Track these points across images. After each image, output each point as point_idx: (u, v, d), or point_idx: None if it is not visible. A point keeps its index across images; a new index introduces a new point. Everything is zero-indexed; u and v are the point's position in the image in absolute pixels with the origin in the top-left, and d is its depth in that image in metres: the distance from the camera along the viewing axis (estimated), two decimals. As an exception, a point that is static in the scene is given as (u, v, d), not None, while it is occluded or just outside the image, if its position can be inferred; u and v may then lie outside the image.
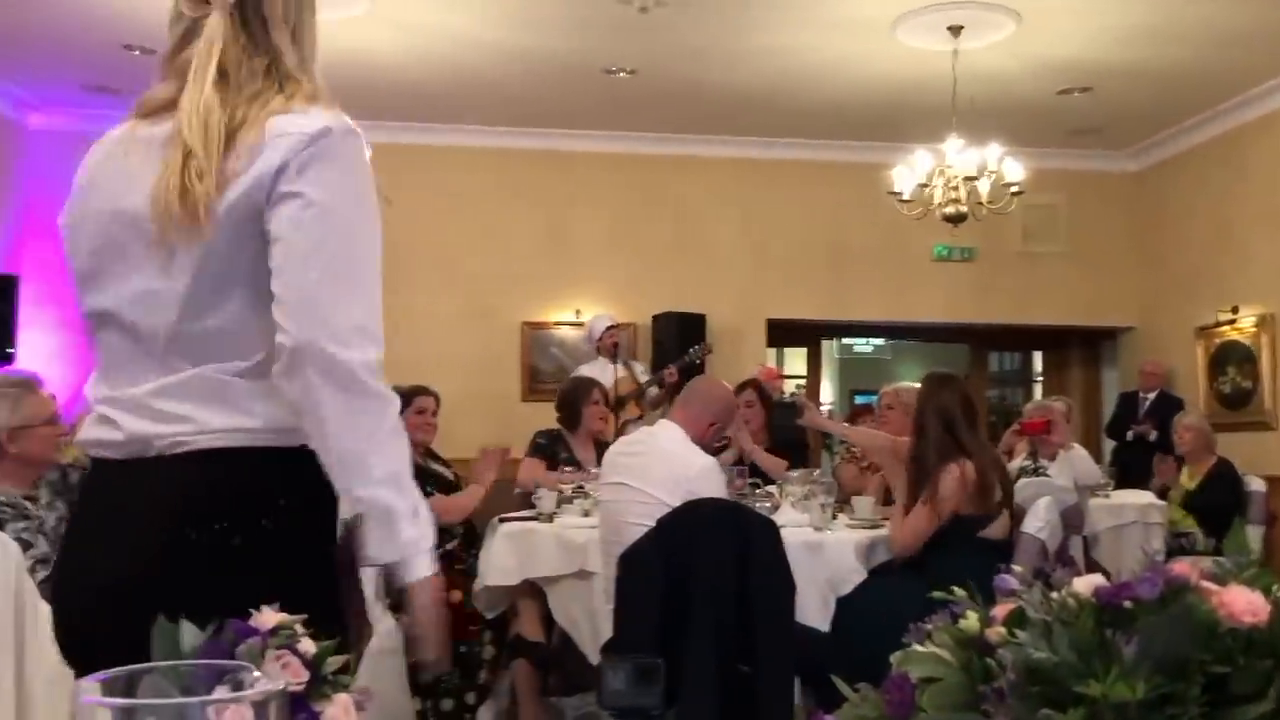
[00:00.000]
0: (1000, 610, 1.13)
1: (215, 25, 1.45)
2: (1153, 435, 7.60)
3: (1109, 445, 8.41)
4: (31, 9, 6.03)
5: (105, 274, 1.46)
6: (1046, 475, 5.33)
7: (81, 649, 1.45)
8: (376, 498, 1.37)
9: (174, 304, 1.39)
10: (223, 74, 1.43)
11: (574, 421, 5.14)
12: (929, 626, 1.18)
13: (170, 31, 1.52)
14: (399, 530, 1.38)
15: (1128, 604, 1.09)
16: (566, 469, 4.67)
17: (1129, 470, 7.12)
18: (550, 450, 5.00)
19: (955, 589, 1.19)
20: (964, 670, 1.11)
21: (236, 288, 1.38)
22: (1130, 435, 7.78)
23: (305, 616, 0.91)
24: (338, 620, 1.42)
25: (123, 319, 1.45)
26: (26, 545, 2.82)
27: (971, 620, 1.14)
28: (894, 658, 1.16)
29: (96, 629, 1.38)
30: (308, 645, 0.91)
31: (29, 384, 3.10)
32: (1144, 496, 6.01)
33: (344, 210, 1.37)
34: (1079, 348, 9.73)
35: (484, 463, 4.51)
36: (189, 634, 0.85)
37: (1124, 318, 9.00)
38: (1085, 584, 1.13)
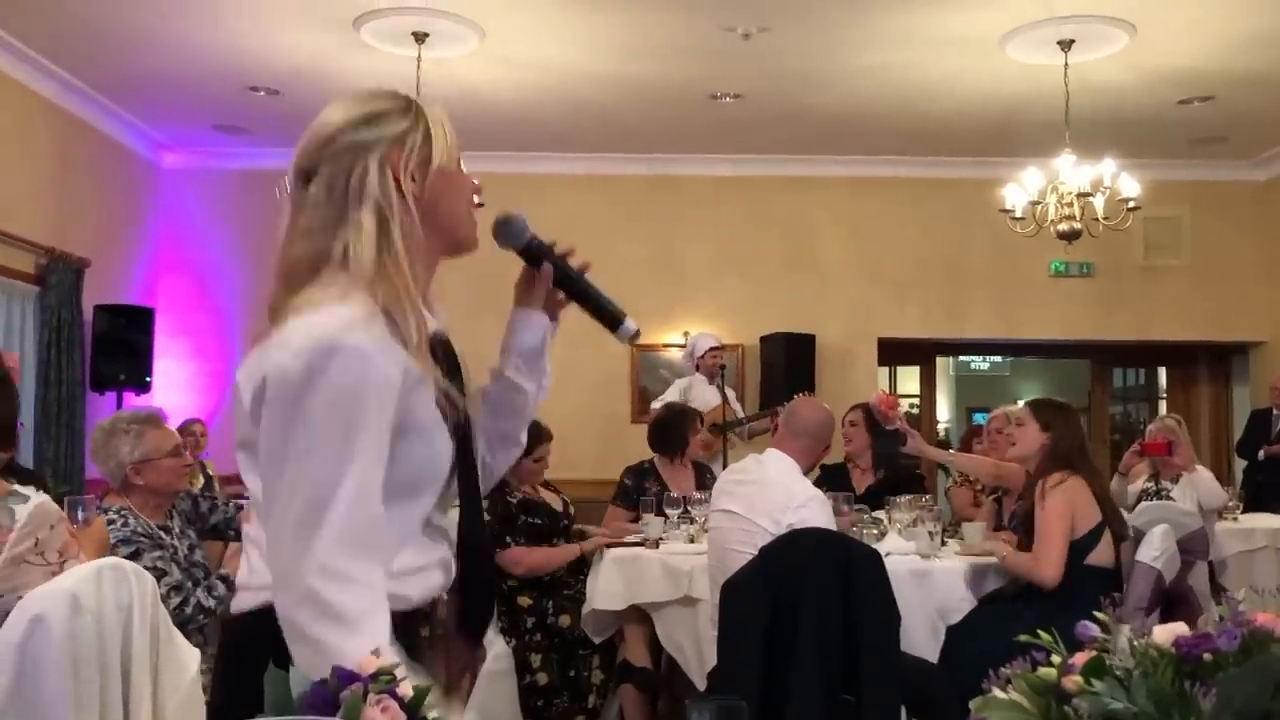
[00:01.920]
0: (1079, 658, 1.14)
1: (285, 204, 1.55)
2: (1286, 454, 7.30)
3: (1240, 465, 8.10)
4: (163, 54, 6.37)
5: None
6: (1169, 498, 5.18)
7: None
8: None
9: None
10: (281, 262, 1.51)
11: (678, 447, 5.16)
12: (1008, 672, 1.20)
13: None
14: None
15: (1207, 656, 1.09)
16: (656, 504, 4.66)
17: (1261, 492, 6.85)
18: (637, 490, 5.01)
19: (1041, 634, 1.20)
20: (1041, 718, 1.13)
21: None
22: (1261, 455, 7.49)
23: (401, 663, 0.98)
24: None
25: None
26: (161, 574, 2.99)
27: (1049, 668, 1.15)
28: (973, 704, 1.18)
29: None
30: (406, 689, 0.97)
31: (152, 418, 3.26)
32: (1276, 520, 5.77)
33: (298, 453, 1.34)
34: (1207, 364, 9.40)
35: (602, 534, 4.60)
36: (296, 681, 0.92)
37: (1254, 332, 8.66)
38: (1165, 634, 1.13)
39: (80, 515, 2.72)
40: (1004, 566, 3.78)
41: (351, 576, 1.31)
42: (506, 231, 1.62)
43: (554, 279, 1.65)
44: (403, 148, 1.50)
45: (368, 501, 1.35)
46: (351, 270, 1.44)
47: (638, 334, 1.66)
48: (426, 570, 1.50)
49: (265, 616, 1.34)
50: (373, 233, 1.46)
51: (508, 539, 4.33)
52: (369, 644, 1.18)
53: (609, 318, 1.66)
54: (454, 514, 1.58)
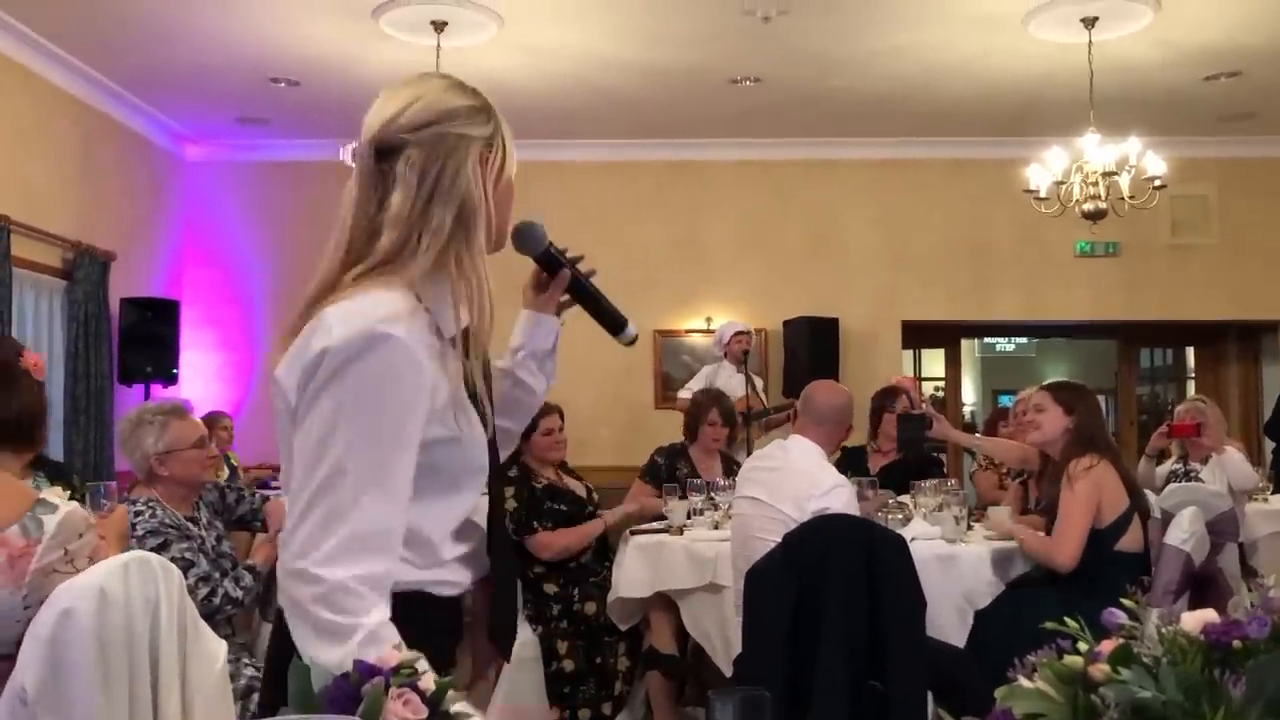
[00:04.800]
0: (1105, 646, 1.12)
1: (350, 182, 1.50)
2: (1316, 434, 7.20)
3: (1270, 446, 8.00)
4: (184, 46, 6.39)
5: None
6: (1198, 479, 5.13)
7: None
8: None
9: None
10: (351, 233, 1.47)
11: (691, 435, 5.23)
12: (1034, 660, 1.19)
13: None
14: None
15: (1237, 643, 1.07)
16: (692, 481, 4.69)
17: (1293, 472, 6.76)
18: (668, 469, 5.05)
19: (1068, 620, 1.19)
20: (1068, 706, 1.12)
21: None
22: (1292, 435, 7.38)
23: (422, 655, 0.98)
24: None
25: None
26: (189, 564, 3.01)
27: (1075, 656, 1.14)
28: (998, 693, 1.17)
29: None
30: (427, 683, 0.97)
31: (176, 410, 3.28)
32: (1307, 501, 5.70)
33: (330, 441, 1.36)
34: (1235, 342, 9.30)
35: (626, 509, 4.64)
36: (319, 675, 0.92)
37: (1284, 311, 8.58)
38: (1194, 621, 1.11)
39: (104, 504, 2.73)
40: (1024, 550, 3.75)
41: (350, 583, 1.32)
42: (527, 237, 1.64)
43: (569, 285, 1.68)
44: (491, 151, 1.51)
45: (389, 498, 1.37)
46: (414, 262, 1.44)
47: (636, 338, 1.74)
48: (467, 560, 1.54)
49: None
50: (447, 232, 1.45)
51: (534, 524, 4.35)
52: (349, 655, 1.22)
53: (614, 323, 1.72)
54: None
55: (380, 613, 1.33)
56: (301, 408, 1.38)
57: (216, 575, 3.10)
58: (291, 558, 1.34)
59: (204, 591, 3.00)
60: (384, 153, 1.46)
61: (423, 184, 1.44)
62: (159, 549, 2.93)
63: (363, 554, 1.33)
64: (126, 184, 7.52)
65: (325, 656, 1.27)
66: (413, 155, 1.45)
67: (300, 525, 1.34)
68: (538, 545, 4.33)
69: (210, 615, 2.87)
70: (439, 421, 1.42)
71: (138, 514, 3.10)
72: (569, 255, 1.68)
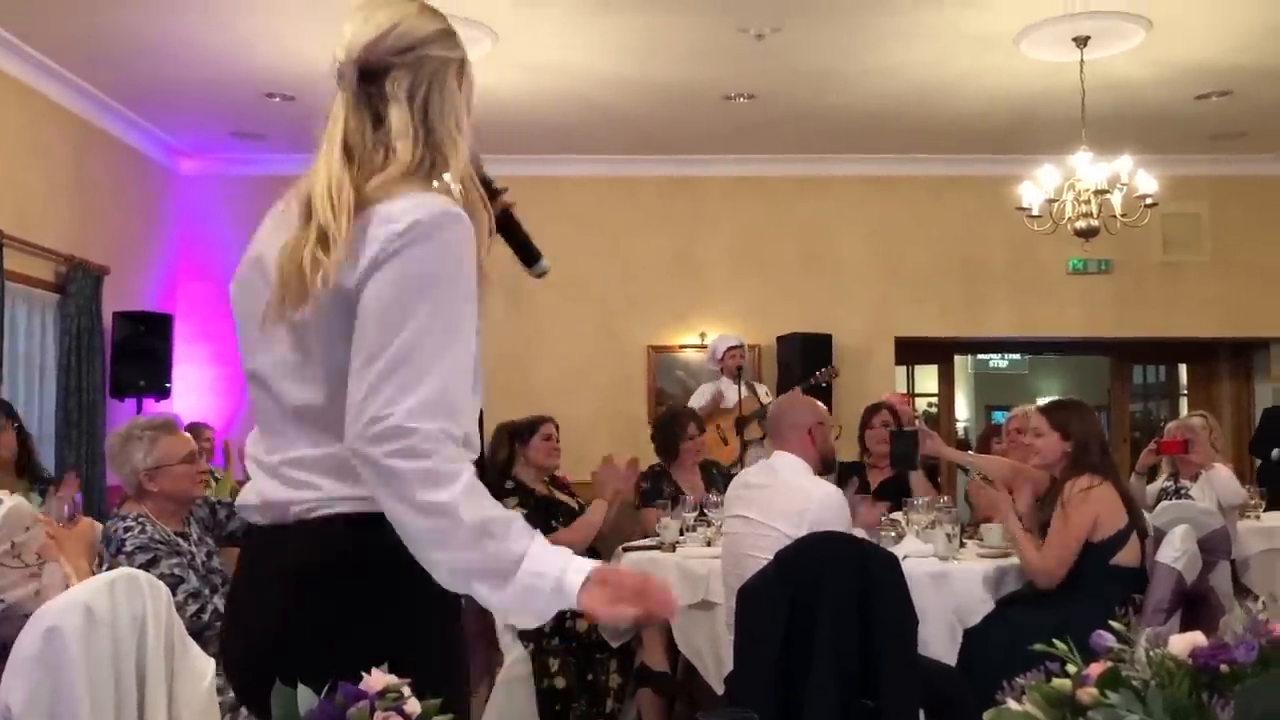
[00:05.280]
0: (1094, 669, 1.12)
1: (338, 103, 1.54)
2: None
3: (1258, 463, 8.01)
4: (179, 61, 6.39)
5: (256, 337, 1.54)
6: (1189, 496, 5.14)
7: (245, 693, 1.55)
8: (458, 587, 1.37)
9: (305, 377, 1.47)
10: (347, 150, 1.50)
11: (670, 455, 5.21)
12: (1022, 683, 1.19)
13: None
14: (492, 602, 1.35)
15: (1225, 667, 1.07)
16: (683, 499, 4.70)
17: (1277, 492, 6.76)
18: (654, 492, 5.05)
19: (1056, 643, 1.19)
20: (1057, 730, 1.11)
21: (344, 371, 1.42)
22: (1276, 455, 7.37)
23: (410, 680, 0.97)
24: (451, 670, 1.47)
25: (269, 384, 1.53)
26: (179, 580, 3.00)
27: (1064, 679, 1.13)
28: (987, 716, 1.17)
29: (253, 678, 1.45)
30: (414, 706, 0.96)
31: (166, 425, 3.27)
32: (1299, 519, 5.70)
33: (414, 302, 1.39)
34: (1228, 360, 9.34)
35: (605, 472, 4.51)
36: (305, 698, 0.91)
37: (1276, 327, 8.59)
38: (1182, 644, 1.11)
39: (65, 512, 2.71)
40: (1012, 544, 3.76)
41: (439, 433, 1.35)
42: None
43: (499, 215, 1.74)
44: (462, 72, 1.59)
45: (462, 369, 1.41)
46: (442, 183, 1.51)
47: (547, 271, 1.82)
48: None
49: (357, 525, 1.41)
50: (459, 146, 1.53)
51: (551, 523, 4.34)
52: (457, 496, 1.32)
53: (530, 255, 1.82)
54: None
55: (471, 470, 1.36)
56: (379, 273, 1.39)
57: (206, 592, 3.08)
58: (371, 420, 1.34)
59: (193, 608, 2.98)
60: (369, 75, 1.52)
61: (413, 102, 1.51)
62: (148, 565, 2.91)
63: (443, 412, 1.36)
64: (120, 198, 7.52)
65: (430, 496, 1.31)
66: (399, 77, 1.52)
67: (381, 386, 1.35)
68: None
69: (199, 632, 2.85)
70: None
71: (127, 529, 3.08)
72: (495, 185, 1.76)
